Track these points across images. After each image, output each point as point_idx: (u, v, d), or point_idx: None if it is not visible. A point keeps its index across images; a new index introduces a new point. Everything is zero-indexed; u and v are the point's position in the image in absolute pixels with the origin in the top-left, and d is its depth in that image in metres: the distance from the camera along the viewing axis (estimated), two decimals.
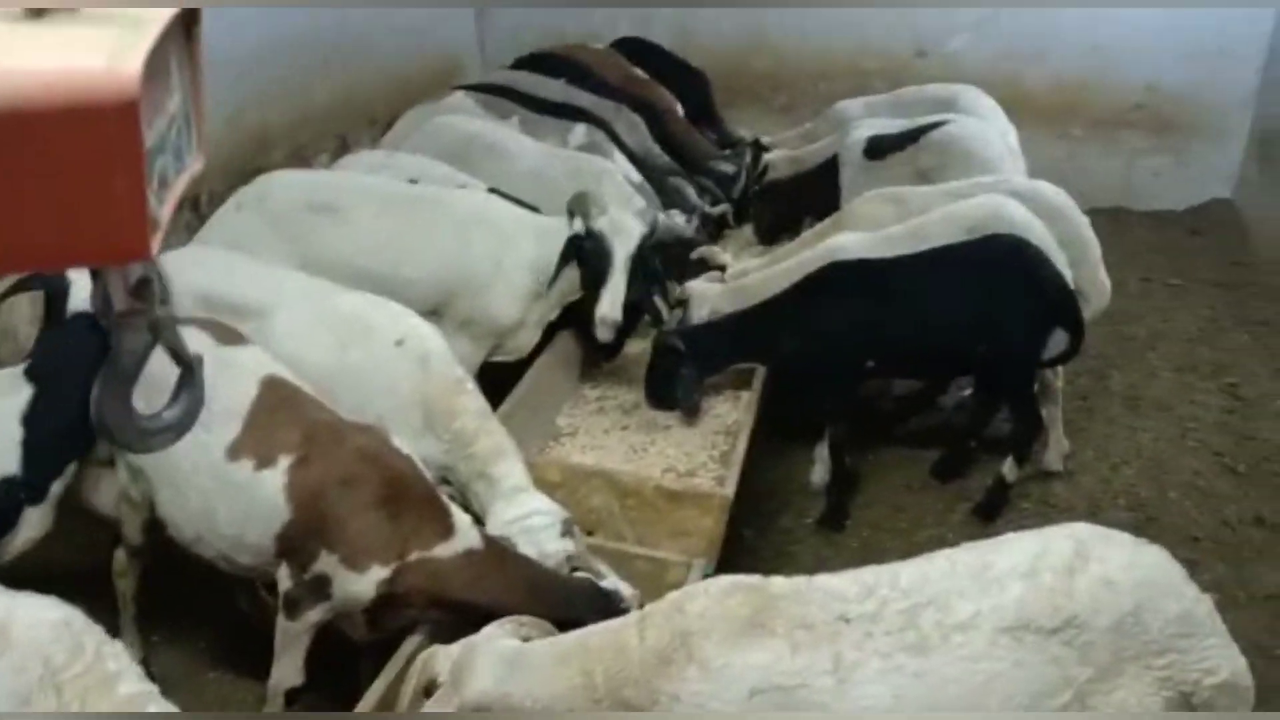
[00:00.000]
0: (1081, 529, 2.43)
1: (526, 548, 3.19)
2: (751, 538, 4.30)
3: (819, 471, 4.64)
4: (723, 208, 6.36)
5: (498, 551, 3.12)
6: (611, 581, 3.11)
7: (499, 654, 2.44)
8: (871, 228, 4.70)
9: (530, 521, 3.29)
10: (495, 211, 4.55)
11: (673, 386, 4.38)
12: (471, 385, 3.67)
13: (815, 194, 5.91)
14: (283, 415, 3.13)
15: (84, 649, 2.15)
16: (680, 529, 3.64)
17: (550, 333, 4.81)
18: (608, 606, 2.94)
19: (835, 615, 2.29)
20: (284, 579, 3.07)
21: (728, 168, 6.54)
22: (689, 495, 3.70)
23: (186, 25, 1.36)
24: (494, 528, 3.29)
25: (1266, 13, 7.69)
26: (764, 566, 4.06)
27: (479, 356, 4.39)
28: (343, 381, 3.55)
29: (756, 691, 2.22)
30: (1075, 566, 2.30)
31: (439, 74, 8.53)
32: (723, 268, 5.24)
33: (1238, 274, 7.01)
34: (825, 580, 2.37)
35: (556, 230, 4.39)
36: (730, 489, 3.71)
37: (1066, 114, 8.36)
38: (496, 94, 6.27)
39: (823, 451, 4.57)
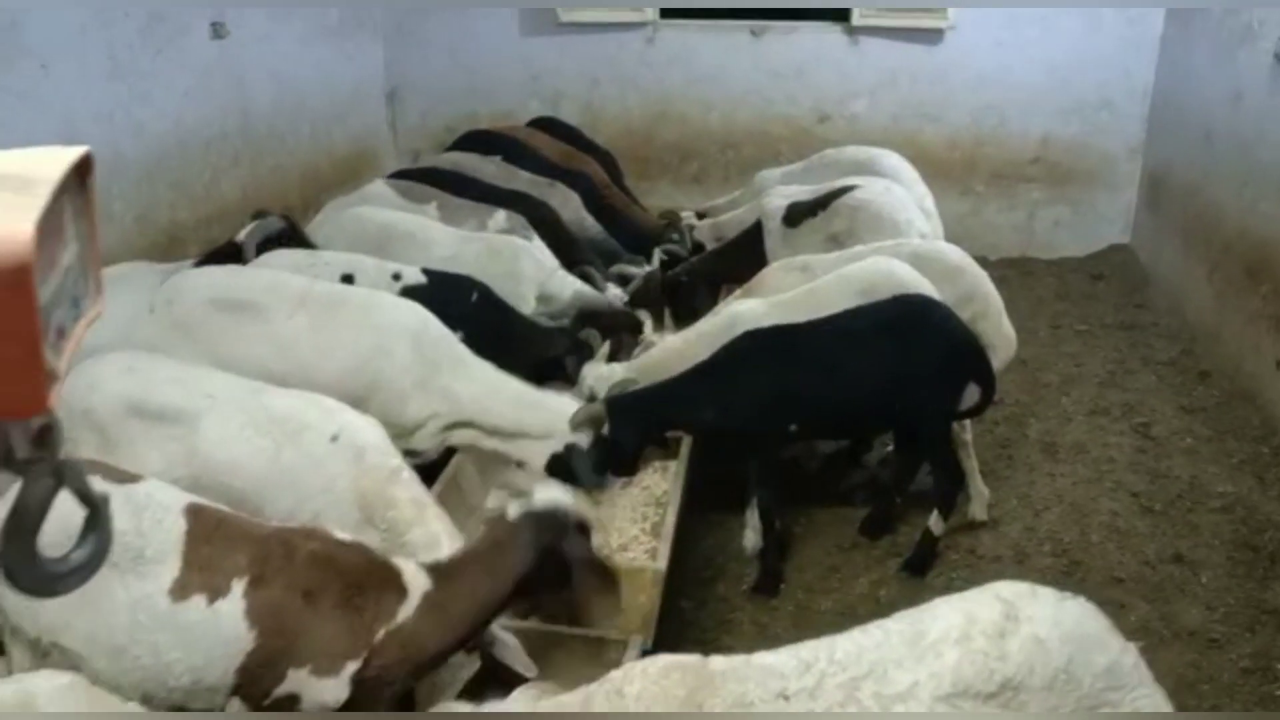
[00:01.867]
0: (1006, 589, 2.47)
1: None
2: (690, 609, 4.29)
3: (750, 537, 4.66)
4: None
5: (445, 573, 2.98)
6: (543, 496, 3.03)
7: None
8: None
9: None
10: (421, 322, 4.41)
11: (603, 457, 4.38)
12: (407, 475, 3.60)
13: (739, 263, 5.98)
14: (221, 539, 2.92)
15: None
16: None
17: None
18: (558, 525, 2.97)
19: (775, 693, 2.30)
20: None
21: (634, 270, 6.53)
22: (623, 572, 3.68)
23: (80, 175, 1.36)
24: None
25: (1147, 66, 8.11)
26: (704, 637, 4.11)
27: None
28: (278, 482, 3.49)
29: None
30: (1006, 629, 2.34)
31: (352, 160, 8.57)
32: (637, 327, 5.37)
33: (1139, 316, 7.28)
34: (762, 658, 2.39)
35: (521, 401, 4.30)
36: (663, 562, 3.72)
37: (967, 170, 8.68)
38: (420, 179, 6.29)
39: (753, 517, 4.60)
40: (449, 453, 4.44)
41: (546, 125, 8.02)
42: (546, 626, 3.56)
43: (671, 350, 4.86)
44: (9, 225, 1.14)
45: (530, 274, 5.40)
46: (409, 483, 3.59)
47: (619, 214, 6.96)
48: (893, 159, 6.63)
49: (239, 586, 2.84)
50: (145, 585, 2.81)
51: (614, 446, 4.19)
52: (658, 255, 6.59)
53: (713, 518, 4.89)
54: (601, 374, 4.86)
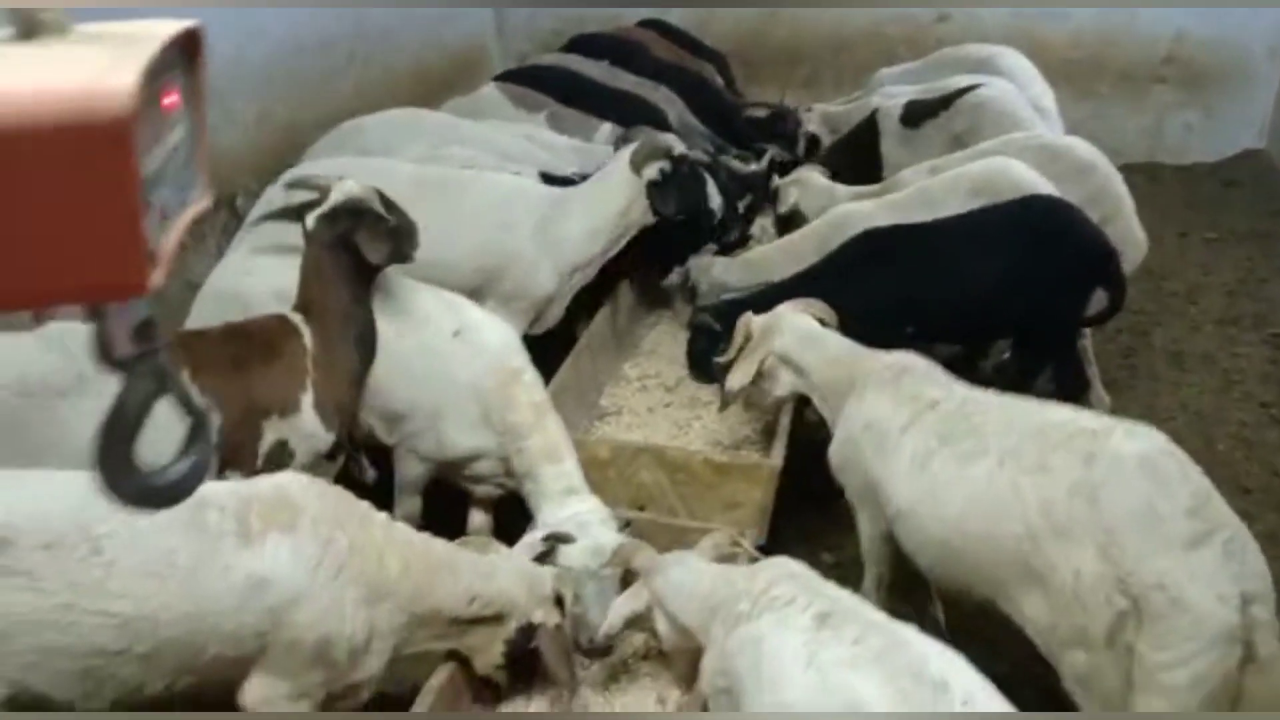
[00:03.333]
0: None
1: (582, 539, 3.21)
2: (799, 508, 4.30)
3: None
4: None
5: (306, 307, 3.36)
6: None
7: None
8: None
9: (583, 517, 3.31)
10: (534, 188, 4.58)
11: (711, 364, 4.39)
12: (530, 378, 3.62)
13: (852, 165, 5.86)
14: None
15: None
16: (731, 501, 3.67)
17: (589, 314, 4.86)
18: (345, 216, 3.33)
19: None
20: None
21: (742, 167, 6.41)
22: (737, 467, 3.72)
23: (190, 55, 1.29)
24: (543, 529, 3.29)
25: None
26: (813, 538, 4.11)
27: (520, 331, 4.39)
28: (397, 369, 3.58)
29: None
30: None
31: (460, 66, 8.56)
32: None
33: (1274, 224, 6.94)
34: None
35: (601, 197, 4.46)
36: (778, 459, 3.73)
37: (1091, 71, 8.29)
38: (527, 80, 6.26)
39: None
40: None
41: (655, 27, 7.89)
42: (662, 519, 3.63)
43: (777, 250, 4.82)
44: (110, 77, 1.05)
45: None
46: (530, 387, 3.61)
47: (728, 117, 6.84)
48: (1012, 57, 6.39)
49: (184, 376, 3.06)
50: (90, 401, 2.91)
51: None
52: (770, 155, 6.46)
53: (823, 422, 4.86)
54: (703, 264, 4.86)
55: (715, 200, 4.74)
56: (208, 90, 1.35)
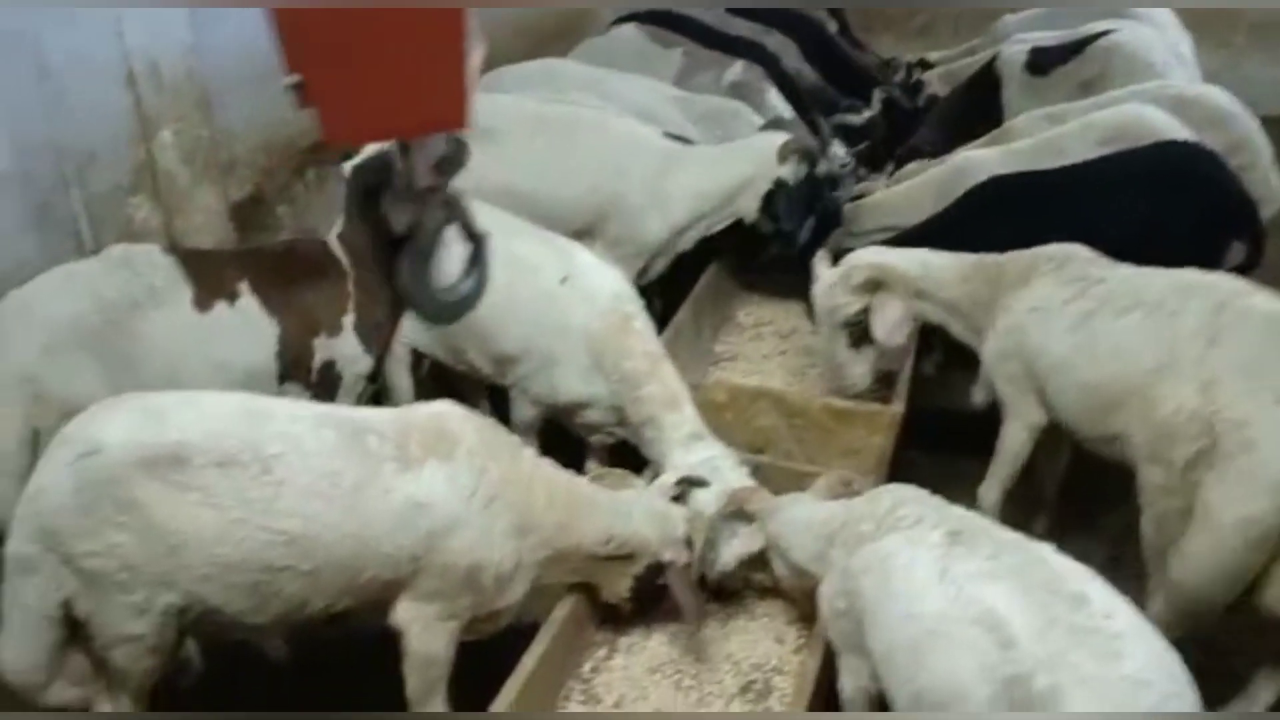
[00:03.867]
0: None
1: (715, 484, 3.23)
2: (919, 459, 4.26)
3: (979, 393, 4.56)
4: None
5: (347, 240, 3.46)
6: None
7: None
8: None
9: (718, 462, 3.33)
10: (652, 138, 4.58)
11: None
12: (642, 324, 3.64)
13: (969, 117, 5.72)
14: (210, 260, 3.56)
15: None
16: (850, 447, 3.66)
17: (703, 264, 4.85)
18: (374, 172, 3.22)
19: None
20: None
21: (854, 119, 6.31)
22: (859, 413, 3.70)
23: None
24: (674, 472, 3.31)
25: None
26: (931, 486, 4.06)
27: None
28: (512, 318, 3.63)
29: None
30: None
31: (569, 14, 8.56)
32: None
33: None
34: None
35: (725, 163, 4.44)
36: (899, 406, 3.70)
37: (1226, 20, 7.92)
38: (662, 24, 6.22)
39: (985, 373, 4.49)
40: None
41: None
42: (781, 463, 3.64)
43: (896, 196, 4.74)
44: None
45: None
46: (643, 334, 3.63)
47: (842, 63, 6.71)
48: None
49: (245, 288, 3.35)
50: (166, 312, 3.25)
51: None
52: (877, 97, 6.33)
53: (942, 374, 4.80)
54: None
55: (804, 232, 4.56)
56: None
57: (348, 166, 3.37)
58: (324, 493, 2.61)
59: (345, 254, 3.45)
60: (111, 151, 4.02)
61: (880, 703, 2.50)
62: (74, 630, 2.70)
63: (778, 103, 5.56)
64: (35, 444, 3.02)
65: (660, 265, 4.62)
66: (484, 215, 3.79)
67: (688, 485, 3.18)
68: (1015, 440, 3.50)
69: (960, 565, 2.31)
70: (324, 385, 3.48)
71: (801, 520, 2.85)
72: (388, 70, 1.43)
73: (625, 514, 2.99)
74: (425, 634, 2.75)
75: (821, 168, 4.49)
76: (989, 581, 2.25)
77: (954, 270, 3.66)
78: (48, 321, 3.13)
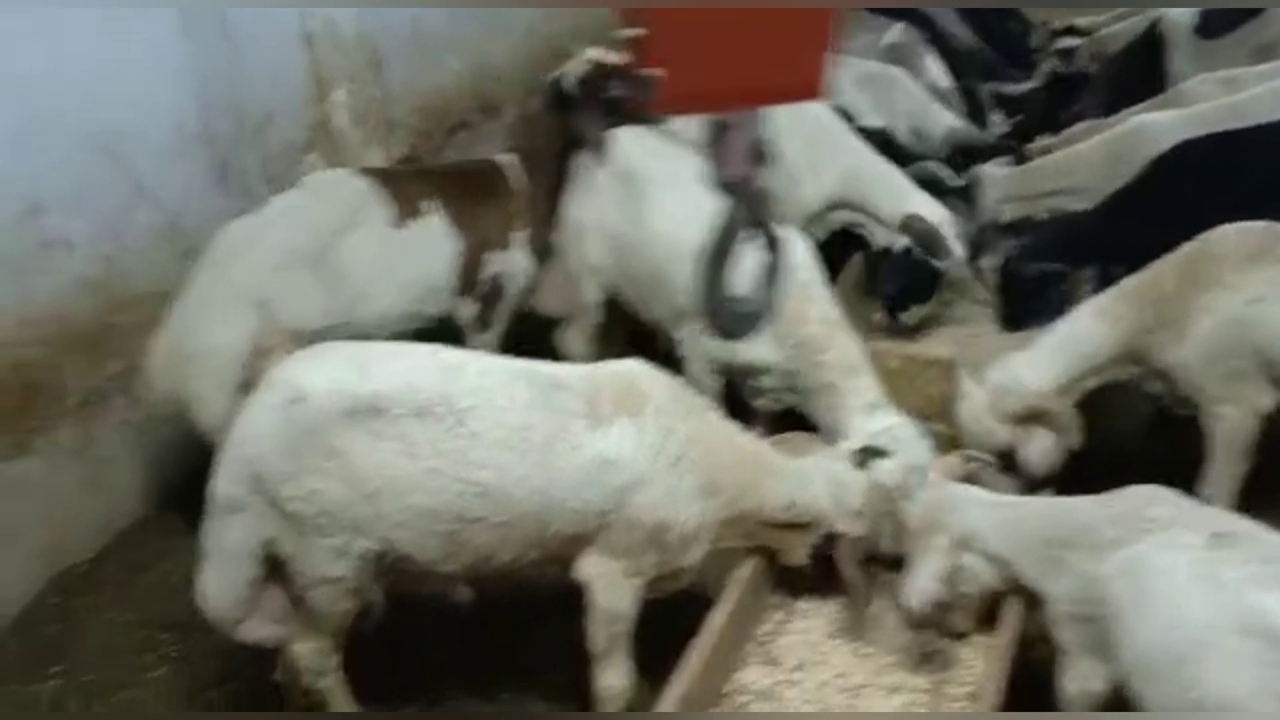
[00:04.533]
0: None
1: (898, 454, 3.16)
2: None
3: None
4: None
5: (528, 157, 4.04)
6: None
7: None
8: None
9: (899, 432, 3.26)
10: (822, 111, 4.50)
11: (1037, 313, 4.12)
12: (820, 292, 3.58)
13: (1129, 86, 5.49)
14: (402, 181, 3.97)
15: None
16: None
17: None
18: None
19: None
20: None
21: (1013, 89, 6.10)
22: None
23: None
24: (856, 440, 3.24)
25: None
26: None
27: None
28: (688, 268, 3.62)
29: None
30: None
31: None
32: None
33: None
34: None
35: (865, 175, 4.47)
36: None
37: None
38: None
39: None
40: None
41: None
42: (950, 431, 3.56)
43: (1061, 162, 4.60)
44: None
45: (903, 107, 5.19)
46: (821, 301, 3.56)
47: (998, 26, 6.51)
48: None
49: (432, 206, 3.81)
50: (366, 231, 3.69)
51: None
52: (1043, 70, 6.12)
53: None
54: (987, 175, 4.69)
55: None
56: None
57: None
58: (515, 446, 2.64)
59: (519, 173, 3.83)
60: (288, 111, 4.13)
61: (1112, 705, 2.43)
62: (272, 569, 2.79)
63: (934, 68, 5.45)
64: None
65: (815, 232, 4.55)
66: (674, 153, 3.86)
67: (869, 455, 3.12)
68: (1244, 430, 3.32)
69: (1228, 571, 2.20)
70: (489, 298, 3.81)
71: (1007, 521, 2.70)
72: (748, 29, 1.32)
73: (807, 481, 2.94)
74: (610, 589, 2.77)
75: (941, 261, 4.30)
76: (1260, 587, 2.15)
77: (1099, 330, 3.41)
78: (274, 247, 3.55)
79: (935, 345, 4.22)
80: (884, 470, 3.07)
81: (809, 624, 3.06)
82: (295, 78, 4.09)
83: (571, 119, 3.90)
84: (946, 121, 5.18)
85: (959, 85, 5.52)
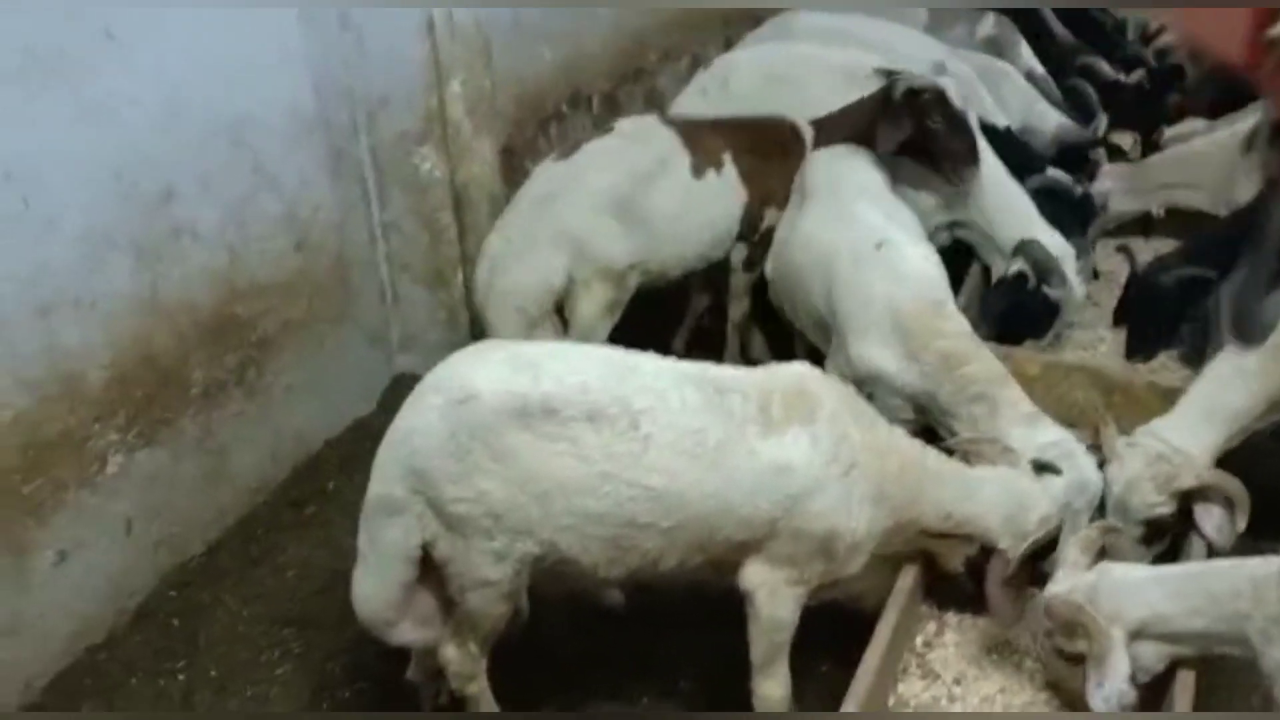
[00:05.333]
0: None
1: (1069, 472, 3.05)
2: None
3: None
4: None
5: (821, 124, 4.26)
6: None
7: None
8: None
9: (1068, 446, 3.12)
10: None
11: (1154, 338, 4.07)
12: (952, 310, 3.47)
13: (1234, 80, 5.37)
14: (700, 132, 4.23)
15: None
16: None
17: None
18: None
19: None
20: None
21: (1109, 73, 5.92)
22: None
23: None
24: (1021, 450, 3.05)
25: None
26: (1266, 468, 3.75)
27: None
28: (821, 272, 3.61)
29: None
30: None
31: None
32: None
33: None
34: None
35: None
36: None
37: None
38: None
39: None
40: None
41: None
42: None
43: (1191, 155, 4.50)
44: None
45: (1013, 104, 5.04)
46: (955, 317, 3.45)
47: (1090, 20, 6.36)
48: None
49: (728, 158, 4.09)
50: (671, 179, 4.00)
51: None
52: (1141, 67, 5.99)
53: None
54: (1118, 171, 4.57)
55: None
56: None
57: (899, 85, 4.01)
58: (689, 450, 2.58)
59: (809, 141, 4.12)
60: (402, 100, 4.06)
61: None
62: (424, 571, 2.73)
63: (1029, 59, 5.32)
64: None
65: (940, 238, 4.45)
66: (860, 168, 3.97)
67: (1041, 471, 3.00)
68: None
69: None
70: (761, 246, 4.15)
71: (1192, 594, 2.49)
72: None
73: (971, 493, 2.85)
74: (774, 598, 2.70)
75: (1054, 289, 4.13)
76: None
77: (1249, 389, 3.16)
78: (591, 189, 3.89)
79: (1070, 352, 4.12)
80: (1055, 488, 2.97)
81: (963, 637, 2.98)
82: (412, 66, 4.01)
83: (878, 122, 4.05)
84: (1054, 118, 5.06)
85: (1059, 80, 5.39)
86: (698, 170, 4.03)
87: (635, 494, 2.55)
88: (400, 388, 4.47)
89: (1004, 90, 4.97)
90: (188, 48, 3.32)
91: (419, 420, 2.61)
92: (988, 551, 2.88)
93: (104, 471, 3.28)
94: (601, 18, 5.87)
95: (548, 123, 5.45)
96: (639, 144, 4.03)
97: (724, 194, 4.10)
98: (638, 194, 3.92)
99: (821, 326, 3.70)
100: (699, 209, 4.05)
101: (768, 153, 4.08)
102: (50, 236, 3.02)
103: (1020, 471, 2.93)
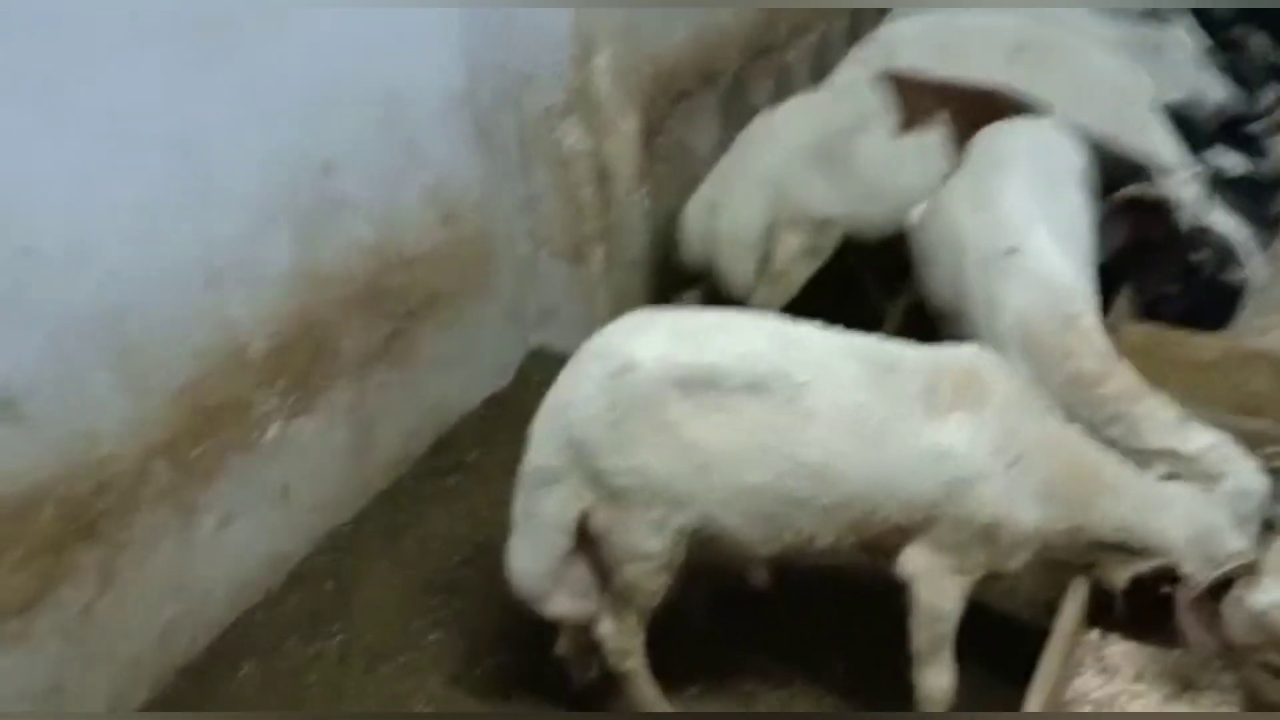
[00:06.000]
0: None
1: (1231, 479, 2.82)
2: None
3: None
4: None
5: None
6: None
7: None
8: None
9: (1226, 450, 2.87)
10: (1145, 79, 4.30)
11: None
12: (1089, 324, 3.14)
13: None
14: (918, 93, 4.21)
15: None
16: None
17: None
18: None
19: None
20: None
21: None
22: None
23: None
24: (1178, 457, 2.87)
25: None
26: None
27: None
28: (950, 268, 3.43)
29: None
30: None
31: None
32: None
33: None
34: None
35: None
36: None
37: None
38: None
39: None
40: None
41: None
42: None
43: None
44: None
45: (1179, 75, 4.80)
46: (1090, 334, 3.11)
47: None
48: None
49: (941, 122, 4.05)
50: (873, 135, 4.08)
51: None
52: None
53: None
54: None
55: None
56: None
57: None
58: (851, 427, 2.52)
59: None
60: (550, 74, 4.05)
61: None
62: (581, 545, 2.72)
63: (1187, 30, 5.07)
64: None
65: None
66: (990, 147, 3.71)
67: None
68: None
69: None
70: None
71: None
72: None
73: (1151, 507, 2.66)
74: (936, 586, 2.63)
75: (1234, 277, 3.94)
76: None
77: None
78: (788, 139, 4.10)
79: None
80: (1218, 494, 2.77)
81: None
82: (558, 42, 3.99)
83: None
84: (1218, 91, 4.81)
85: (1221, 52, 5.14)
86: (900, 130, 4.06)
87: (795, 469, 2.51)
88: (535, 362, 4.52)
89: (1167, 60, 4.74)
90: (346, 23, 3.36)
91: (578, 390, 2.60)
92: (1161, 577, 2.67)
93: (264, 438, 3.35)
94: None
95: (678, 100, 5.41)
96: (849, 98, 4.16)
97: (929, 157, 4.02)
98: (837, 147, 4.02)
99: (944, 320, 3.49)
100: (901, 169, 4.03)
101: (980, 122, 3.87)
102: (221, 209, 3.08)
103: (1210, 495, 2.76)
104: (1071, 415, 2.98)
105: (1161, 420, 2.96)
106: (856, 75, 4.27)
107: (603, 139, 4.15)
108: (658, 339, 2.58)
